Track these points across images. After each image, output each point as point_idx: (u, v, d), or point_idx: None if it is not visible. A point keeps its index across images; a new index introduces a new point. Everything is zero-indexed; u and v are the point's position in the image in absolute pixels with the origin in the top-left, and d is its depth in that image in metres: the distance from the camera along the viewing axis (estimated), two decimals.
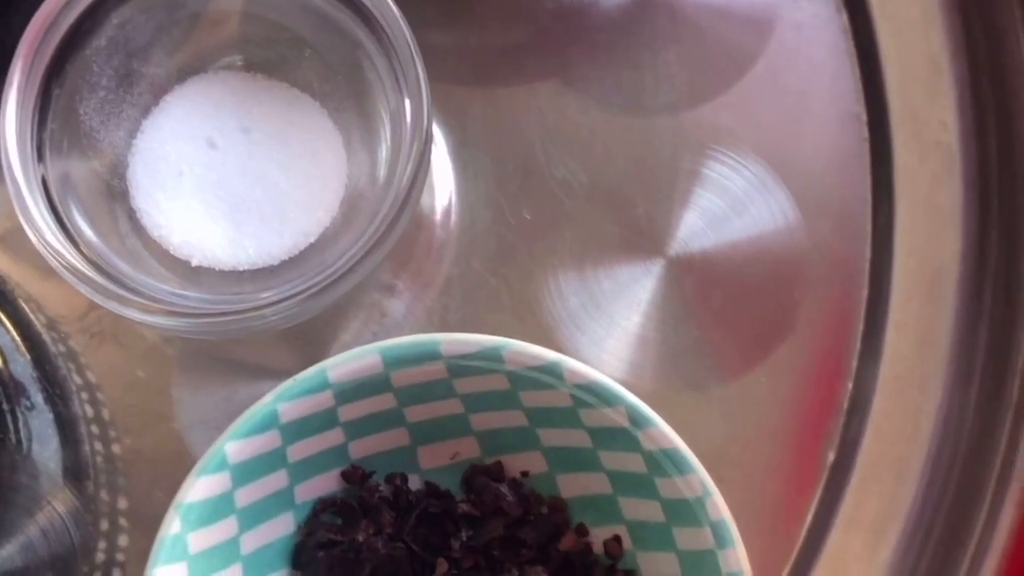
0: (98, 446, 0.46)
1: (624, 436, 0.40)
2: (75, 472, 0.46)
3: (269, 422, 0.39)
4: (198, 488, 0.39)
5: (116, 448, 0.46)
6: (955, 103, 0.46)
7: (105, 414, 0.47)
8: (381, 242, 0.41)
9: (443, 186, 0.48)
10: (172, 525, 0.39)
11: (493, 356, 0.40)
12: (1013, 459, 0.42)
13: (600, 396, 0.40)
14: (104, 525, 0.46)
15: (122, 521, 0.46)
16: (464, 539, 0.43)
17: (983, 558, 0.42)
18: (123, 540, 0.46)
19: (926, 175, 0.46)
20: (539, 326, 0.46)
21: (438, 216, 0.47)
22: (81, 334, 0.46)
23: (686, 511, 0.40)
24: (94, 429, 0.47)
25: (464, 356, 0.40)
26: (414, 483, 0.44)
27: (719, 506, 0.39)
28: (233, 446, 0.39)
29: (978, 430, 0.44)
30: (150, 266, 0.45)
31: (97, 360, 0.46)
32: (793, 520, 0.45)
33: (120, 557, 0.46)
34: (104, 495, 0.46)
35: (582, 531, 0.43)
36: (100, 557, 0.46)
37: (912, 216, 0.46)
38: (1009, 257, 0.45)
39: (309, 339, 0.46)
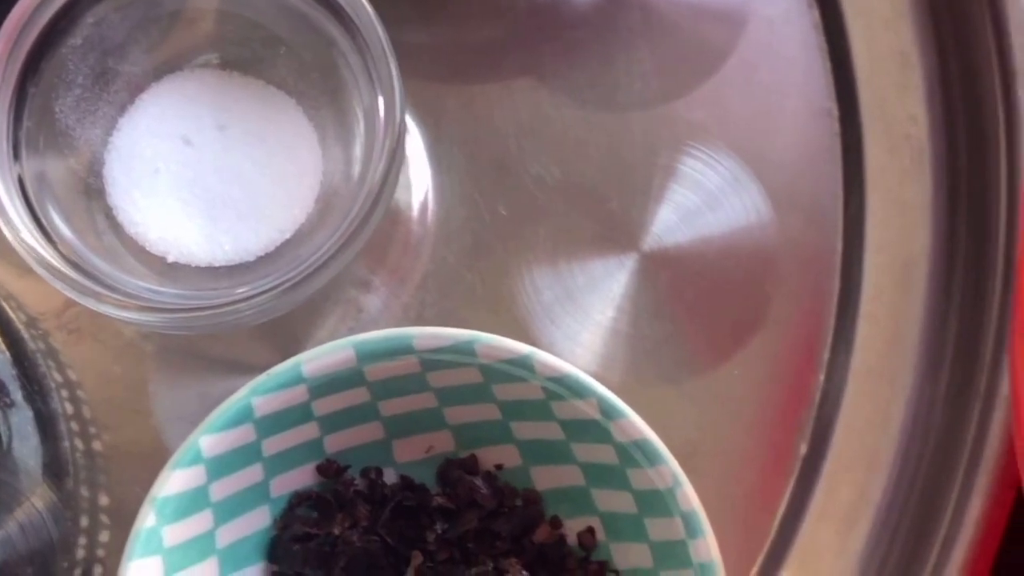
0: (78, 443, 0.47)
1: (596, 428, 0.41)
2: (55, 469, 0.46)
3: (243, 416, 0.40)
4: (173, 482, 0.39)
5: (96, 445, 0.47)
6: (924, 97, 0.47)
7: (84, 411, 0.47)
8: (354, 237, 0.41)
9: (419, 182, 0.48)
10: (147, 519, 0.39)
11: (465, 350, 0.40)
12: (981, 450, 0.43)
13: (571, 388, 0.40)
14: (84, 521, 0.46)
15: (103, 517, 0.46)
16: (439, 532, 0.43)
17: (951, 548, 0.42)
18: (104, 536, 0.46)
19: (896, 169, 0.47)
20: (514, 320, 0.47)
21: (414, 212, 0.48)
22: (59, 331, 0.46)
23: (658, 502, 0.40)
24: (74, 426, 0.47)
25: (437, 350, 0.40)
26: (389, 477, 0.44)
27: (689, 497, 0.39)
28: (207, 440, 0.39)
29: (947, 421, 0.44)
30: (127, 263, 0.45)
31: (75, 357, 0.47)
32: (766, 511, 0.45)
33: (101, 553, 0.46)
34: (84, 491, 0.46)
35: (556, 523, 0.43)
36: (81, 553, 0.46)
37: (883, 210, 0.46)
38: (977, 249, 0.45)
39: (286, 335, 0.46)
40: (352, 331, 0.46)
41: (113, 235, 0.45)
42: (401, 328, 0.40)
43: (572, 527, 0.43)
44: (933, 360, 0.45)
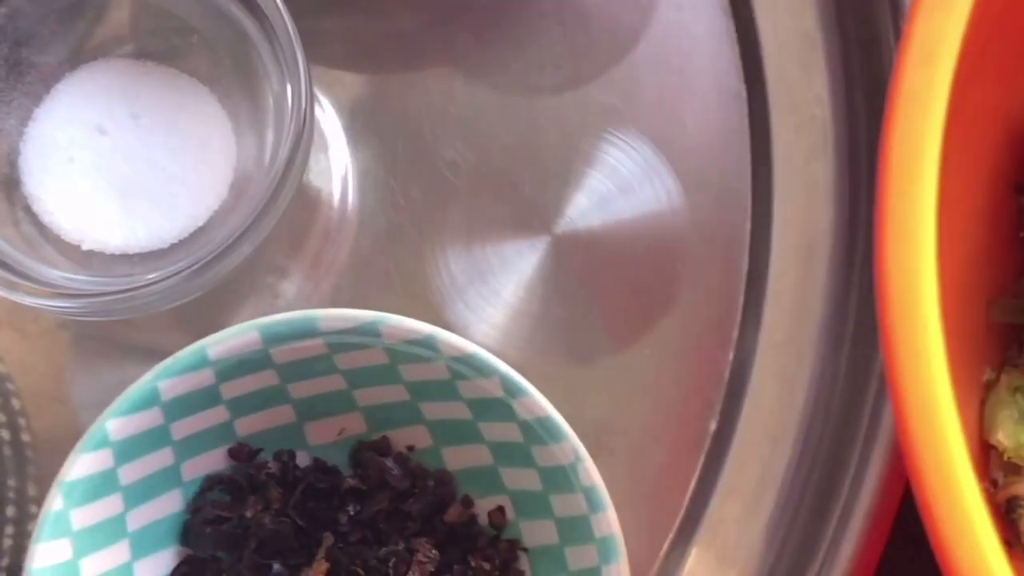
0: (5, 433, 0.47)
1: (500, 406, 0.41)
2: None
3: (150, 400, 0.40)
4: (80, 465, 0.39)
5: (24, 435, 0.47)
6: (828, 78, 0.47)
7: (13, 402, 0.47)
8: (261, 220, 0.42)
9: (337, 169, 0.49)
10: (54, 502, 0.39)
11: (370, 331, 0.41)
12: (878, 424, 0.43)
13: (475, 367, 0.41)
14: (11, 511, 0.46)
15: (31, 507, 0.47)
16: (351, 513, 0.43)
17: (849, 518, 0.43)
18: (32, 526, 0.46)
19: (802, 149, 0.47)
20: (428, 303, 0.47)
21: (330, 199, 0.48)
22: None
23: (562, 478, 0.41)
24: (1, 417, 0.47)
25: (342, 331, 0.41)
26: (302, 460, 0.44)
27: (590, 472, 0.40)
28: (114, 424, 0.40)
29: (847, 397, 0.45)
30: (44, 252, 0.45)
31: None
32: (677, 488, 0.46)
33: (28, 543, 0.46)
34: (12, 482, 0.47)
35: (467, 502, 0.44)
36: (7, 543, 0.46)
37: (789, 190, 0.47)
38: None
39: (203, 321, 0.47)
40: None
41: (30, 224, 0.46)
42: (306, 310, 0.41)
43: (484, 506, 0.44)
44: (835, 338, 0.46)
